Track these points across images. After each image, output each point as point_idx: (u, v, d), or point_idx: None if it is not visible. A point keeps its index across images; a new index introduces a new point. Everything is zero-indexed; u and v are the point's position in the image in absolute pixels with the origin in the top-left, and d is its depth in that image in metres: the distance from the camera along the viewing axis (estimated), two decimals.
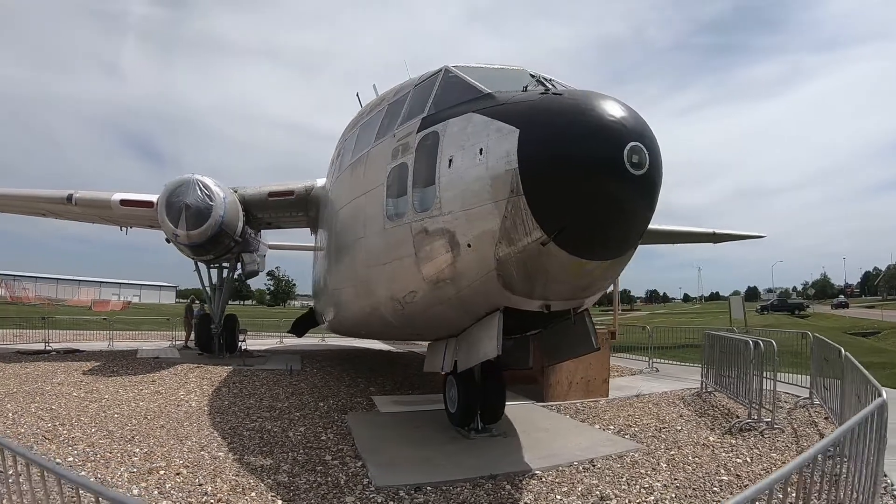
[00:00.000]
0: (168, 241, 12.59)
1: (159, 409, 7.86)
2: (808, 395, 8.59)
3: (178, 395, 9.07)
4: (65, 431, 6.41)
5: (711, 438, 6.55)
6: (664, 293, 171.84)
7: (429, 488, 4.92)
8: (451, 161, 5.07)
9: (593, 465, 5.57)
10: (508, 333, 7.60)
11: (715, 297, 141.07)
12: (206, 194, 11.59)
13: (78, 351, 13.94)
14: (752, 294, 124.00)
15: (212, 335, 14.95)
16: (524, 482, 5.08)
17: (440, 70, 6.14)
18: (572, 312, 5.89)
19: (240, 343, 15.94)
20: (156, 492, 4.69)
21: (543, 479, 5.19)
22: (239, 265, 15.50)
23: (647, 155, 4.25)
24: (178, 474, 5.14)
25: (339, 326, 11.55)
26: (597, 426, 7.41)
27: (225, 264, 15.79)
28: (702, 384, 9.72)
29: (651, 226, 18.15)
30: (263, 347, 17.98)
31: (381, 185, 6.38)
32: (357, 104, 10.89)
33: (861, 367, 5.34)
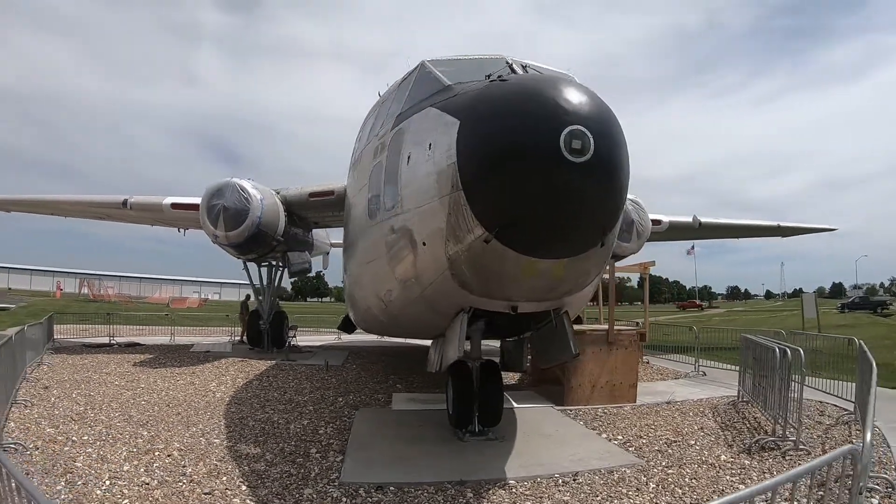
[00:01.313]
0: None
1: (184, 398, 8.67)
2: (852, 410, 7.64)
3: (208, 386, 9.92)
4: (92, 414, 7.33)
5: (724, 457, 6.04)
6: (745, 289, 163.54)
7: (391, 488, 5.04)
8: (409, 157, 5.14)
9: (574, 479, 5.37)
10: (497, 335, 7.53)
11: (799, 293, 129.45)
12: (244, 197, 12.51)
13: (138, 345, 15.64)
14: (836, 291, 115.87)
15: (261, 331, 16.01)
16: (490, 491, 5.02)
17: (417, 66, 6.21)
18: (553, 315, 5.72)
19: (289, 339, 16.92)
20: (143, 469, 5.33)
21: (513, 490, 5.10)
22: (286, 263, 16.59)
23: (591, 139, 3.94)
24: (169, 456, 5.74)
25: (358, 324, 11.94)
26: (604, 435, 7.10)
27: (274, 262, 16.88)
28: (738, 393, 8.96)
29: (708, 219, 17.01)
30: (318, 343, 18.81)
31: (366, 185, 6.59)
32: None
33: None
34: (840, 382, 8.76)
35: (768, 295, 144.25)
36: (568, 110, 4.01)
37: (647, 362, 14.53)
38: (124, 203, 14.51)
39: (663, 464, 5.86)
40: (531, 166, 3.94)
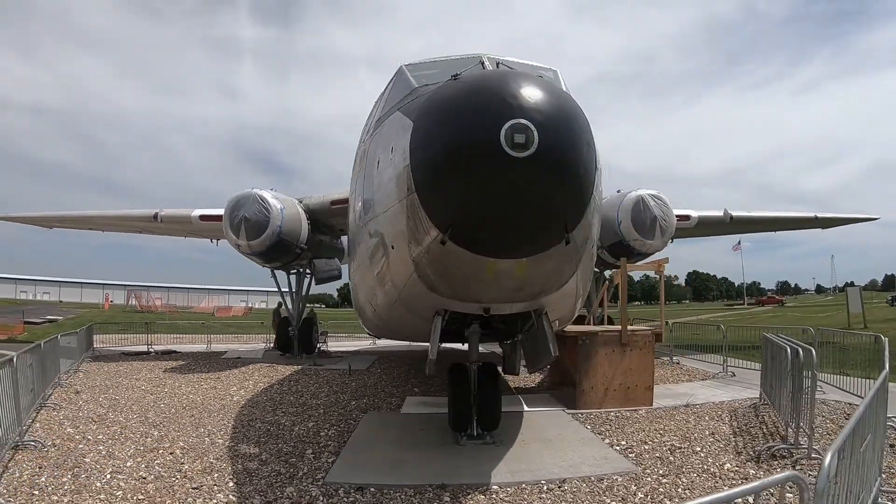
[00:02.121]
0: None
1: (201, 402, 9.22)
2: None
3: (229, 390, 10.49)
4: (112, 416, 7.97)
5: (728, 466, 5.77)
6: (795, 284, 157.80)
7: (371, 489, 5.19)
8: (378, 162, 5.30)
9: (560, 487, 5.30)
10: (491, 338, 7.53)
11: (851, 287, 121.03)
12: (264, 207, 13.12)
13: (175, 352, 16.59)
14: (889, 283, 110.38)
15: (290, 337, 16.64)
16: (470, 496, 5.06)
17: (397, 70, 6.37)
18: (534, 316, 5.70)
19: (319, 344, 17.48)
20: (144, 465, 5.80)
21: (494, 496, 5.10)
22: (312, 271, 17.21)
23: (535, 132, 3.86)
24: (171, 454, 6.17)
25: (366, 328, 12.08)
26: (607, 440, 6.96)
27: (301, 270, 17.53)
28: (760, 395, 8.54)
29: (740, 213, 16.39)
30: (351, 349, 19.23)
31: (354, 191, 6.81)
32: None
33: None
34: (871, 382, 8.17)
35: (819, 289, 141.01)
36: (511, 104, 3.96)
37: (678, 363, 14.12)
38: (155, 216, 15.58)
39: (660, 472, 5.68)
40: (473, 164, 3.93)
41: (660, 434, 7.16)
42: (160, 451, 6.24)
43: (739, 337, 14.21)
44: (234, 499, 4.92)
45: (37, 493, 4.95)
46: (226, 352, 17.24)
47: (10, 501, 4.77)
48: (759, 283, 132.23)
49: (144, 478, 5.38)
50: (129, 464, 5.79)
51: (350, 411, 8.78)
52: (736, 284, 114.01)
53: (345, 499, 4.99)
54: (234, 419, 8.01)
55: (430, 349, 5.65)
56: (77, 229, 17.83)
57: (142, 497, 4.91)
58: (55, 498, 4.85)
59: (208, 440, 6.82)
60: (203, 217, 15.27)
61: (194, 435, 7.04)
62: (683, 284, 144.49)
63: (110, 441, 6.64)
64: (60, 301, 63.75)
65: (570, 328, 10.56)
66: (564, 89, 5.68)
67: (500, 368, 7.89)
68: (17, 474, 5.40)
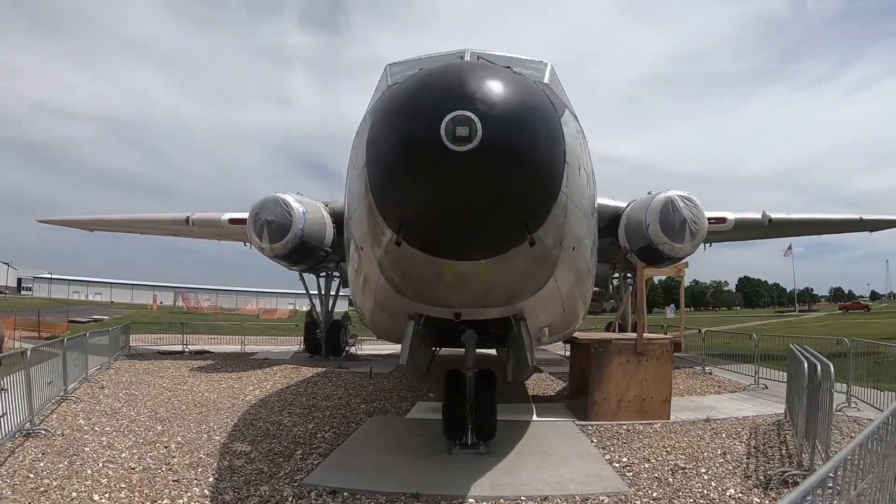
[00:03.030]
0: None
1: (214, 400, 9.69)
2: None
3: (245, 390, 10.96)
4: (125, 410, 8.55)
5: (731, 492, 5.37)
6: (849, 290, 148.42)
7: (345, 493, 5.28)
8: (350, 161, 5.37)
9: None
10: (482, 344, 7.39)
11: None
12: (286, 210, 13.60)
13: (207, 352, 17.44)
14: None
15: (318, 339, 17.11)
16: None
17: (384, 69, 6.43)
18: (513, 322, 5.59)
19: (347, 347, 17.85)
20: (137, 457, 6.22)
21: None
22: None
23: (478, 124, 3.68)
24: (166, 448, 6.57)
25: None
26: (608, 456, 6.69)
27: (329, 272, 18.00)
28: (785, 412, 7.97)
29: (779, 215, 15.49)
30: (384, 352, 19.43)
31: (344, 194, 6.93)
32: None
33: None
34: None
35: (873, 296, 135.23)
36: (453, 95, 3.80)
37: (710, 373, 13.57)
38: (187, 220, 16.54)
39: (654, 495, 5.35)
40: (416, 160, 3.84)
41: (666, 451, 6.81)
42: (156, 445, 6.63)
43: (775, 346, 13.33)
44: (207, 493, 5.15)
45: (32, 476, 5.43)
46: (257, 353, 17.95)
47: (6, 481, 5.20)
48: (811, 289, 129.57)
49: (133, 468, 5.76)
50: (123, 455, 6.21)
51: (357, 414, 8.92)
52: (788, 290, 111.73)
53: (315, 501, 5.10)
54: (239, 418, 8.35)
55: (400, 355, 5.63)
56: (115, 231, 19.24)
57: (123, 486, 5.26)
58: (46, 482, 5.31)
59: (206, 436, 7.16)
60: (232, 220, 16.05)
61: (195, 431, 7.41)
62: (734, 290, 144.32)
63: (114, 433, 7.13)
64: (112, 302, 69.13)
65: (583, 335, 10.28)
66: (546, 82, 5.54)
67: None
68: (21, 458, 5.96)
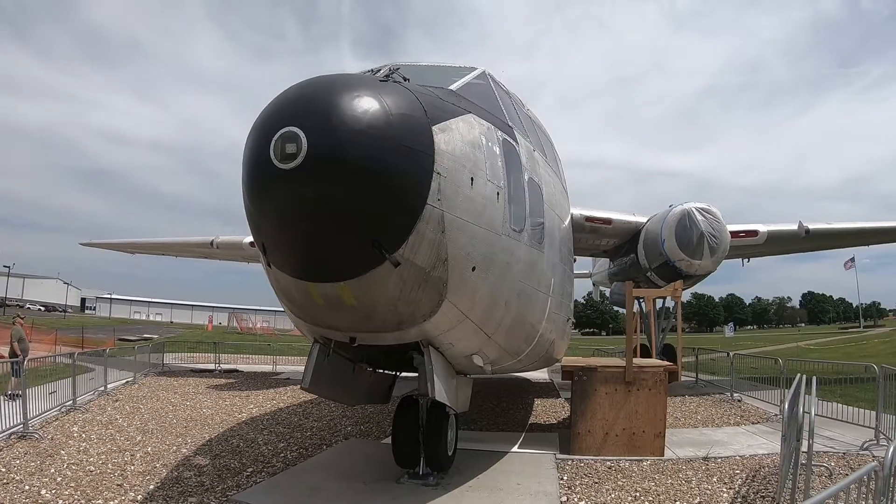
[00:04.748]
0: None
1: (208, 416, 10.69)
2: None
3: (245, 408, 12.01)
4: (120, 422, 9.85)
5: None
6: None
7: None
8: None
9: None
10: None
11: None
12: None
13: (237, 371, 18.83)
14: None
15: None
16: None
17: None
18: (422, 346, 5.60)
19: None
20: (100, 462, 7.21)
21: None
22: None
23: (305, 140, 3.75)
24: (132, 456, 7.58)
25: None
26: (565, 498, 6.56)
27: None
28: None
29: (818, 225, 14.78)
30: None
31: None
32: None
33: None
34: None
35: None
36: (286, 113, 3.92)
37: (739, 400, 12.71)
38: (211, 243, 18.17)
39: None
40: (255, 182, 4.04)
41: (634, 497, 6.56)
42: (125, 453, 7.62)
43: (806, 370, 12.17)
44: (139, 499, 5.94)
45: (3, 469, 6.58)
46: (283, 373, 19.12)
47: None
48: (878, 304, 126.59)
49: (91, 471, 6.74)
50: (91, 459, 7.23)
51: (336, 437, 9.42)
52: (853, 305, 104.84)
53: None
54: (219, 434, 9.20)
55: (303, 377, 5.86)
56: (152, 254, 21.50)
57: (72, 485, 6.21)
58: (12, 476, 6.46)
59: (174, 449, 8.05)
60: (251, 244, 17.46)
61: (168, 443, 8.37)
62: (798, 306, 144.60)
63: (96, 441, 8.25)
64: (171, 322, 75.50)
65: (569, 361, 10.09)
66: (451, 90, 5.44)
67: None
68: (4, 455, 7.16)
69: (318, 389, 6.30)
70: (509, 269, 5.92)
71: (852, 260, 64.68)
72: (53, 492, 5.93)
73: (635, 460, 8.02)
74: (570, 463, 7.97)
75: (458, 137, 4.80)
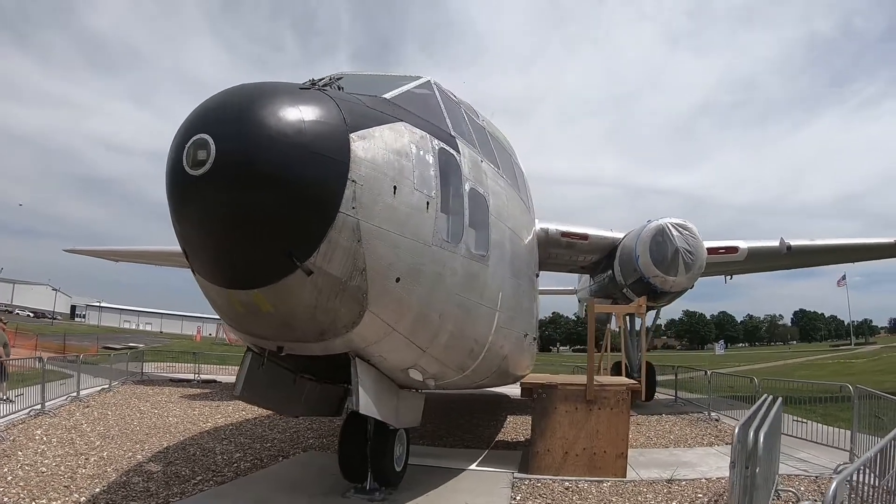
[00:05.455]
0: None
1: (174, 424, 11.09)
2: None
3: (212, 417, 12.39)
4: (84, 427, 10.37)
5: None
6: None
7: None
8: None
9: None
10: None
11: None
12: None
13: (216, 381, 19.16)
14: None
15: None
16: None
17: None
18: (350, 357, 5.66)
19: None
20: (54, 465, 7.56)
21: None
22: None
23: (213, 147, 3.91)
24: (86, 459, 7.95)
25: None
26: None
27: None
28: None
29: (800, 242, 15.17)
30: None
31: None
32: None
33: None
34: None
35: None
36: (200, 120, 4.11)
37: (717, 420, 12.76)
38: None
39: None
40: (169, 187, 4.26)
41: None
42: (79, 457, 8.01)
43: (782, 389, 12.11)
44: (83, 500, 6.22)
45: None
46: None
47: None
48: (870, 321, 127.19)
49: (42, 472, 7.14)
50: (46, 461, 7.64)
51: (295, 448, 9.62)
52: (845, 323, 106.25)
53: None
54: (179, 442, 9.55)
55: (235, 384, 6.07)
56: (136, 263, 21.88)
57: (21, 484, 6.61)
58: None
59: (130, 455, 8.42)
60: None
61: (125, 449, 8.77)
62: (789, 324, 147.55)
63: (56, 444, 8.67)
64: (161, 332, 76.03)
65: (531, 378, 10.22)
66: (386, 98, 5.53)
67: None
68: None
69: (253, 398, 6.45)
70: (441, 280, 5.86)
71: (844, 277, 66.33)
72: (1, 489, 6.24)
73: (595, 481, 8.04)
74: (526, 483, 8.04)
75: (381, 145, 4.88)
